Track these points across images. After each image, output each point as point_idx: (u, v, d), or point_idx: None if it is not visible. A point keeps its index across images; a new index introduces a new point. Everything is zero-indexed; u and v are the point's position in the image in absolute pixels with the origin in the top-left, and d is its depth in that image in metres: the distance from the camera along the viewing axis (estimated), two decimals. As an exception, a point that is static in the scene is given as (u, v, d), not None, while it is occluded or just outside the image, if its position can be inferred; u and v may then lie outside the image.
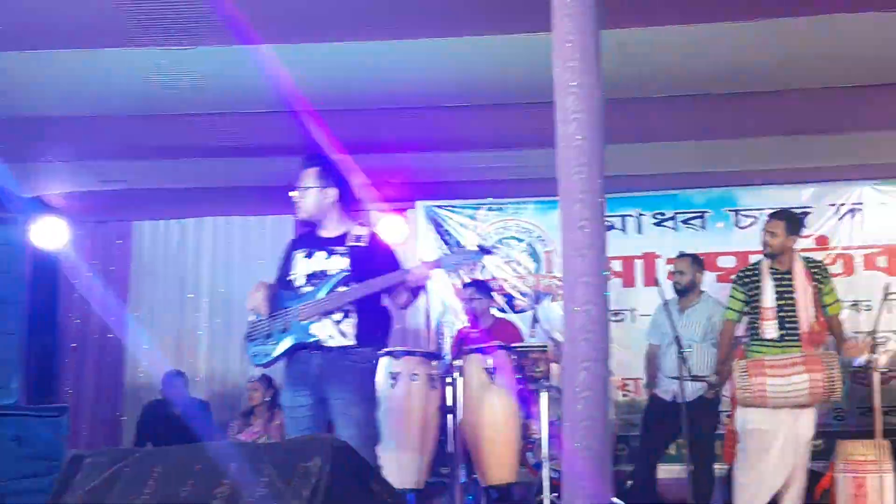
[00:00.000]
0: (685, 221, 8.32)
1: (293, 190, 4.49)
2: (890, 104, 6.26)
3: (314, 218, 4.48)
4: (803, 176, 8.03)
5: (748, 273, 5.96)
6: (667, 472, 6.95)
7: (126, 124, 6.50)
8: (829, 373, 5.31)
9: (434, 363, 5.65)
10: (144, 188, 8.07)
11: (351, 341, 4.31)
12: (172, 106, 6.16)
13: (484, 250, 4.87)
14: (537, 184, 7.46)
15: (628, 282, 8.31)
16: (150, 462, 2.94)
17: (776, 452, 5.41)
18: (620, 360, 7.87)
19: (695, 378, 6.17)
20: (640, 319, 7.96)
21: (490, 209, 8.62)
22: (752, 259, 6.61)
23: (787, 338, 5.67)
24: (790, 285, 5.74)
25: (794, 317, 5.68)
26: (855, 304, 7.77)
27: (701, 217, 8.31)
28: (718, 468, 6.48)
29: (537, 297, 8.31)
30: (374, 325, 4.46)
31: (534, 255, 8.54)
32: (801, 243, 6.07)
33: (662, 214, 8.36)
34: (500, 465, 5.51)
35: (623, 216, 8.35)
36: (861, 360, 5.93)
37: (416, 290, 4.41)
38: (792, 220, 5.91)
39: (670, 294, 6.61)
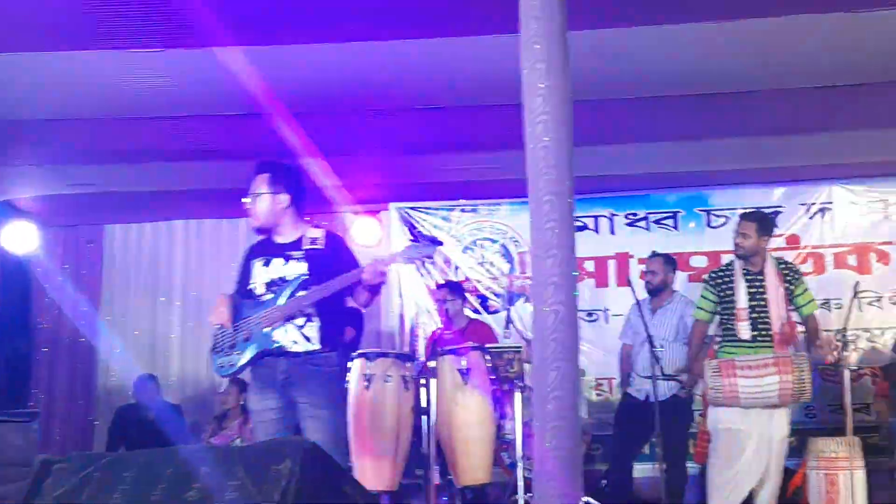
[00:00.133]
0: (657, 222, 8.37)
1: (245, 197, 4.47)
2: (858, 105, 6.31)
3: (268, 224, 4.46)
4: (774, 176, 8.11)
5: (721, 274, 5.97)
6: (640, 471, 7.00)
7: (96, 127, 6.45)
8: (800, 374, 5.32)
9: (408, 364, 5.63)
10: (115, 191, 8.01)
11: (315, 346, 4.30)
12: (142, 109, 6.12)
13: (435, 241, 4.87)
14: (510, 185, 7.43)
15: (601, 282, 8.36)
16: (121, 466, 2.93)
17: (751, 452, 5.42)
18: (594, 360, 7.95)
19: (667, 377, 6.22)
20: (613, 319, 8.00)
21: (463, 210, 8.63)
22: (724, 259, 6.65)
23: (759, 339, 5.69)
24: (762, 286, 5.76)
25: (767, 317, 5.70)
26: (826, 303, 7.83)
27: (673, 217, 8.36)
28: (691, 467, 6.50)
29: (511, 298, 8.32)
30: (338, 327, 4.47)
31: (507, 256, 8.56)
32: (772, 242, 6.10)
33: (635, 215, 8.41)
34: (474, 466, 5.50)
35: (596, 217, 8.40)
36: (830, 358, 5.96)
37: (375, 288, 4.37)
38: (764, 222, 5.92)
39: (643, 294, 6.64)
